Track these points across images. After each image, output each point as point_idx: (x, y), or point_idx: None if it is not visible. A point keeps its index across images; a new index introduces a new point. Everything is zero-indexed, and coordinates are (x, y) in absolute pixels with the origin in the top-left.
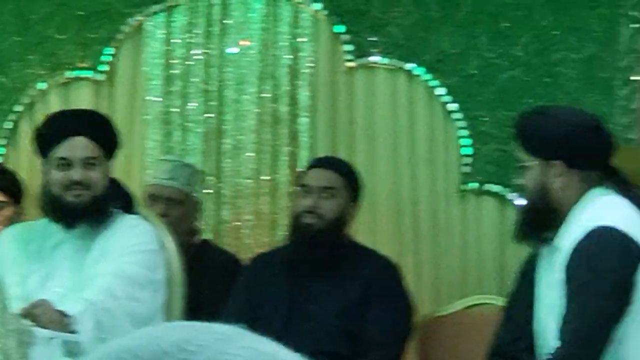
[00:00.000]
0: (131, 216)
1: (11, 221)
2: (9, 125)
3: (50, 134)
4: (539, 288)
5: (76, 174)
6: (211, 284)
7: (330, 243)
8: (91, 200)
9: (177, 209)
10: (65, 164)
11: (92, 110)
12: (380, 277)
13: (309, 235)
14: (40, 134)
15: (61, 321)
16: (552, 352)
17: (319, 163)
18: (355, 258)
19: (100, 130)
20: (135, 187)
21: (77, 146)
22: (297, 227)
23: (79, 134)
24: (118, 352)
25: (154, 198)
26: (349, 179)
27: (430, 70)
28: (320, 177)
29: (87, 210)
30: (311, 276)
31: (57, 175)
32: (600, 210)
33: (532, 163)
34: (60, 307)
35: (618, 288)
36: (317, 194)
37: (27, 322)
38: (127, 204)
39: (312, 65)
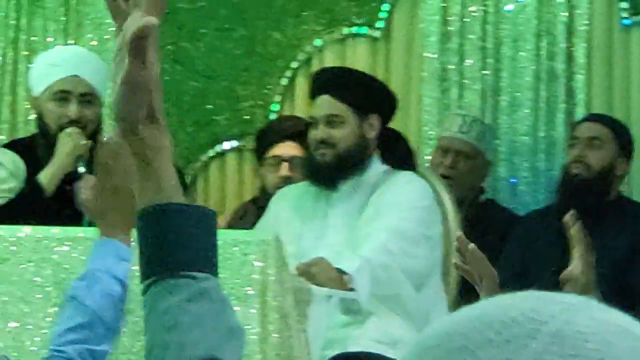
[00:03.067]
0: (405, 172)
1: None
2: (284, 81)
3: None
4: None
5: (319, 133)
6: (493, 243)
7: (596, 193)
8: (335, 158)
9: (466, 163)
10: (311, 124)
11: (341, 67)
12: None
13: (574, 185)
14: None
15: (339, 279)
16: None
17: (588, 117)
18: (622, 212)
19: (345, 88)
20: (412, 143)
21: (320, 105)
22: (565, 177)
23: (324, 93)
24: (463, 321)
25: (444, 150)
26: (617, 132)
27: None
28: (588, 129)
29: (333, 168)
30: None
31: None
32: None
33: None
34: (335, 265)
35: None
36: (584, 145)
37: (305, 281)
38: (407, 160)
39: (588, 22)
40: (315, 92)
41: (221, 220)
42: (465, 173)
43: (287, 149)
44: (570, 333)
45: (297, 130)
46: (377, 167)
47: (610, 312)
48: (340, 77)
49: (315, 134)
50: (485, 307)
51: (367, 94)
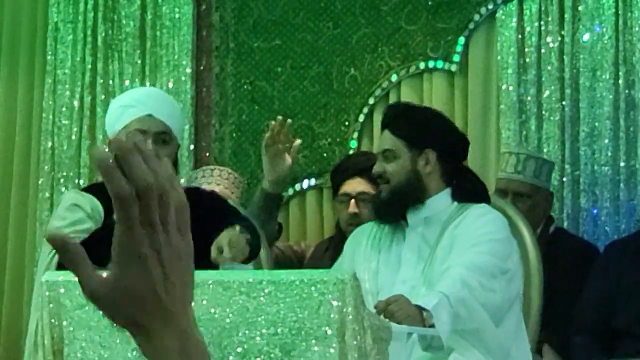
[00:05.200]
0: (479, 205)
1: None
2: (361, 118)
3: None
4: None
5: (376, 167)
6: (566, 272)
7: None
8: (390, 194)
9: (525, 203)
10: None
11: (402, 103)
12: None
13: None
14: None
15: (418, 315)
16: None
17: None
18: None
19: (401, 123)
20: (492, 177)
21: (380, 140)
22: None
23: (385, 128)
24: None
25: (503, 191)
26: None
27: None
28: None
29: (389, 203)
30: None
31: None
32: None
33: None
34: (413, 300)
35: None
36: None
37: (384, 319)
38: (479, 194)
39: None
40: (381, 127)
41: (301, 245)
42: (527, 211)
43: (355, 185)
44: None
45: (365, 166)
46: (447, 201)
47: None
48: (398, 113)
49: (374, 168)
50: None
51: (422, 129)
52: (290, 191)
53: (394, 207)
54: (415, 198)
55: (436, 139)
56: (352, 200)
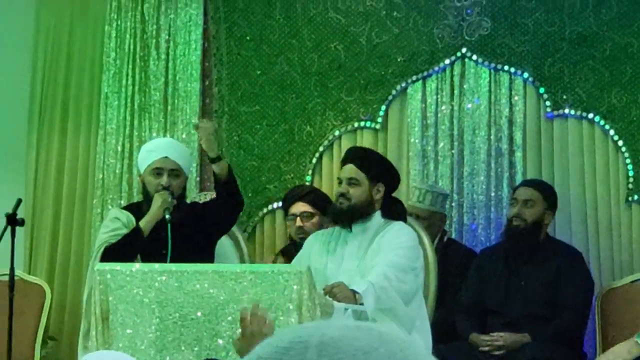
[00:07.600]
0: (398, 222)
1: (319, 227)
2: (314, 160)
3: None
4: None
5: (341, 189)
6: (454, 269)
7: (530, 237)
8: (349, 208)
9: (424, 221)
10: (338, 182)
11: (366, 148)
12: (569, 262)
13: (515, 234)
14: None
15: (353, 297)
16: None
17: (523, 183)
18: (549, 248)
19: (366, 162)
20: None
21: (346, 170)
22: (508, 228)
23: (350, 162)
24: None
25: (409, 214)
26: (545, 193)
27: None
28: (524, 193)
29: (347, 214)
30: (520, 262)
31: (335, 189)
32: None
33: None
34: (350, 287)
35: None
36: (521, 205)
37: (329, 298)
38: (400, 215)
39: (523, 116)
40: (345, 161)
41: (269, 259)
42: (426, 228)
43: (299, 207)
44: (328, 340)
45: (303, 193)
46: (379, 218)
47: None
48: (362, 153)
49: (339, 189)
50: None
51: (379, 169)
52: (265, 210)
53: (349, 218)
54: (365, 214)
55: (386, 177)
56: (298, 218)
